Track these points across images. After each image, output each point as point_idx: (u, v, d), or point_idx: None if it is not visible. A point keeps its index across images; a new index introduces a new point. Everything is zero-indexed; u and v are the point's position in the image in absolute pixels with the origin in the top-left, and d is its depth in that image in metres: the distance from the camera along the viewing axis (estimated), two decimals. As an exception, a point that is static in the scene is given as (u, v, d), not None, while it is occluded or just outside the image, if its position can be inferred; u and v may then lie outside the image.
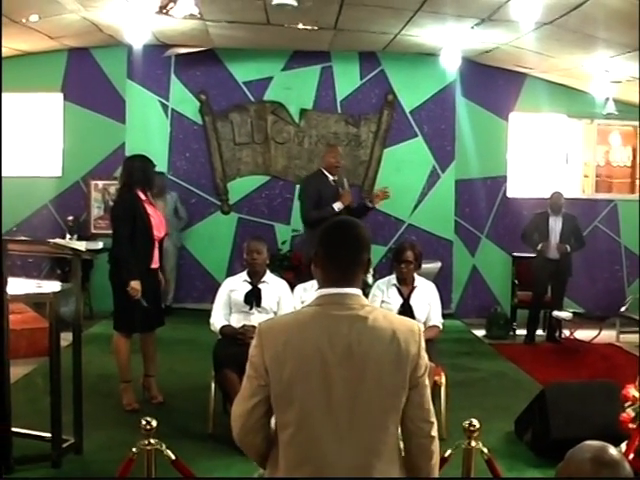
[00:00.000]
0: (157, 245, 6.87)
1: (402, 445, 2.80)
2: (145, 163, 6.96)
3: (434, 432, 2.80)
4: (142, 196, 6.79)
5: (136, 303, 6.67)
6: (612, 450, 2.32)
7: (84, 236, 11.50)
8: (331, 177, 8.47)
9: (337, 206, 8.23)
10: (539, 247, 10.62)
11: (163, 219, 7.06)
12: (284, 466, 2.70)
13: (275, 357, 2.67)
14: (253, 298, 6.36)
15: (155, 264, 6.87)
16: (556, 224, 10.61)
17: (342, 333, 2.67)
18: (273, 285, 6.48)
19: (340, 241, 2.83)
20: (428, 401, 2.79)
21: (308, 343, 2.66)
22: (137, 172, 6.85)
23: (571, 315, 10.39)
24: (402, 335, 2.70)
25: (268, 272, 6.56)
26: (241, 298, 6.36)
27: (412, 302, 6.45)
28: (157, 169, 7.28)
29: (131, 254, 6.65)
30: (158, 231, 6.82)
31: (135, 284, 6.58)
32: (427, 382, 2.80)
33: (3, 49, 10.35)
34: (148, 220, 6.71)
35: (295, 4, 6.81)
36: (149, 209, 6.79)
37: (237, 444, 2.87)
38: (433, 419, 2.81)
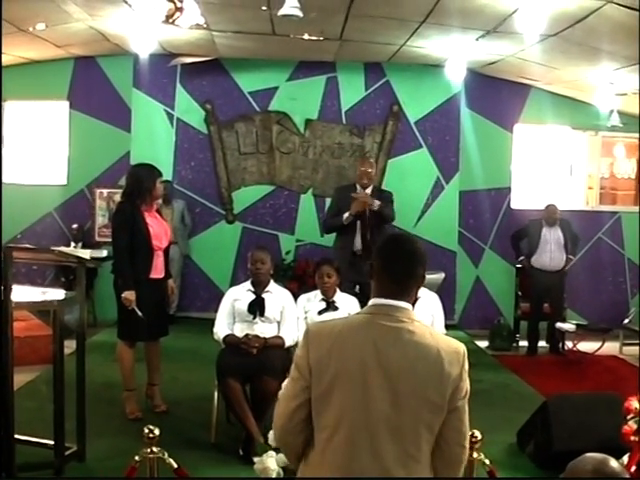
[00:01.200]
0: (160, 255, 6.87)
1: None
2: (147, 172, 6.93)
3: (465, 457, 2.85)
4: (143, 206, 6.79)
5: (150, 312, 6.71)
6: (613, 462, 2.33)
7: (89, 244, 11.52)
8: (361, 189, 8.47)
9: (345, 215, 8.25)
10: (521, 259, 10.71)
11: (168, 228, 7.04)
12: (317, 467, 2.74)
13: (319, 360, 2.71)
14: (257, 308, 6.36)
15: (157, 274, 6.85)
16: (552, 235, 10.61)
17: (387, 344, 2.71)
18: (277, 295, 6.48)
19: (395, 254, 2.89)
20: (466, 425, 2.82)
21: (353, 349, 2.71)
22: (137, 182, 6.85)
23: (574, 327, 10.38)
24: (446, 355, 2.74)
25: (272, 282, 6.56)
26: (245, 307, 6.36)
27: (415, 313, 6.44)
28: (163, 178, 7.27)
29: (127, 264, 6.67)
30: (159, 241, 6.79)
31: (128, 294, 6.60)
32: (466, 406, 2.81)
33: (10, 57, 10.43)
34: (147, 230, 6.70)
35: (301, 15, 6.81)
36: (149, 219, 6.77)
37: (276, 444, 2.90)
38: (467, 444, 2.85)
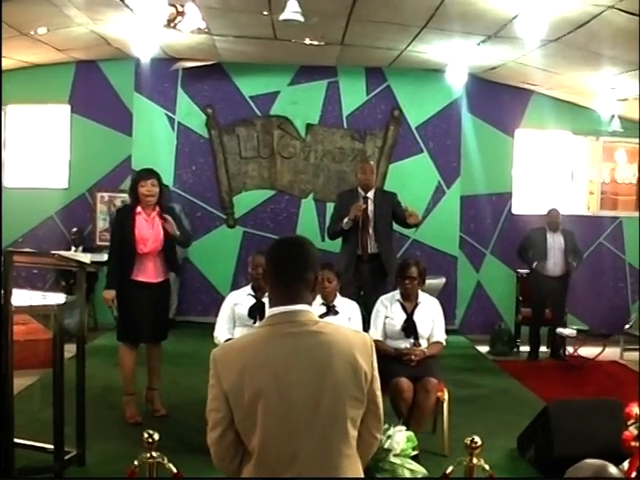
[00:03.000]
0: (152, 258, 6.85)
1: None
2: (136, 175, 7.11)
3: (380, 438, 2.96)
4: (138, 208, 6.82)
5: (139, 315, 6.76)
6: (612, 469, 2.33)
7: (89, 248, 11.52)
8: (363, 193, 8.48)
9: (345, 220, 8.25)
10: (534, 265, 10.68)
11: (160, 233, 6.93)
12: None
13: (233, 384, 2.67)
14: (257, 312, 6.36)
15: (150, 277, 6.84)
16: (555, 241, 10.63)
17: (297, 351, 2.69)
18: (277, 299, 6.47)
19: (283, 259, 2.86)
20: (382, 411, 2.89)
21: (264, 366, 2.67)
22: (131, 185, 7.01)
23: (575, 332, 10.37)
24: (357, 348, 2.74)
25: (272, 286, 6.55)
26: (245, 312, 6.36)
27: (416, 318, 6.45)
28: (155, 180, 7.23)
29: (113, 265, 6.87)
30: (143, 244, 6.77)
31: (106, 293, 6.83)
32: (380, 393, 2.86)
33: (11, 61, 10.44)
34: (132, 233, 6.74)
35: (302, 20, 6.83)
36: (140, 222, 6.79)
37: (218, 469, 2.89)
38: (382, 427, 2.97)
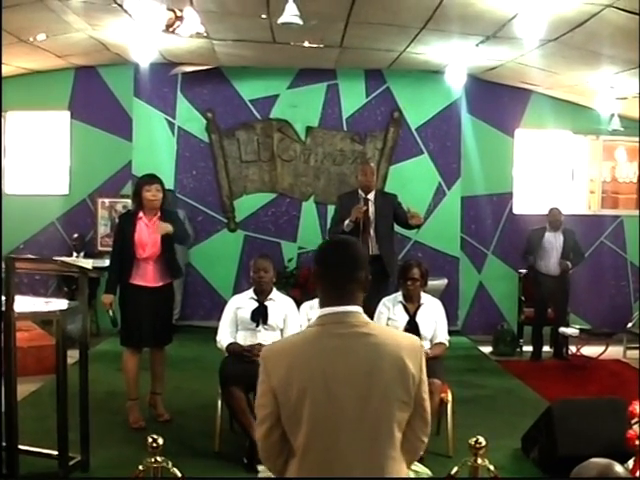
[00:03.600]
0: (151, 263, 6.86)
1: None
2: (139, 180, 7.15)
3: (426, 442, 2.90)
4: (140, 214, 6.85)
5: (141, 319, 6.78)
6: (618, 467, 2.33)
7: (91, 254, 11.51)
8: (363, 195, 8.48)
9: (345, 222, 8.25)
10: (534, 262, 10.66)
11: (158, 238, 6.93)
12: None
13: (281, 381, 2.67)
14: (260, 316, 6.36)
15: (150, 282, 6.85)
16: (556, 240, 10.63)
17: (346, 352, 2.69)
18: (279, 303, 6.48)
19: (335, 260, 2.85)
20: (429, 415, 2.87)
21: (312, 365, 2.68)
22: (133, 190, 7.04)
23: (577, 331, 10.38)
24: (406, 351, 2.73)
25: (275, 290, 6.56)
26: (248, 316, 6.35)
27: (418, 319, 6.45)
28: (159, 186, 7.25)
29: (113, 270, 6.93)
30: (142, 249, 6.79)
31: (105, 297, 6.91)
32: (428, 397, 2.85)
33: (11, 67, 10.45)
34: (132, 238, 6.77)
35: (300, 23, 6.83)
36: (141, 227, 6.82)
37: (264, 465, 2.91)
38: (429, 431, 2.92)
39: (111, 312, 6.86)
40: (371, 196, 8.48)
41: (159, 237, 6.87)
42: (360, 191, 8.52)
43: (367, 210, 8.33)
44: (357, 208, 8.25)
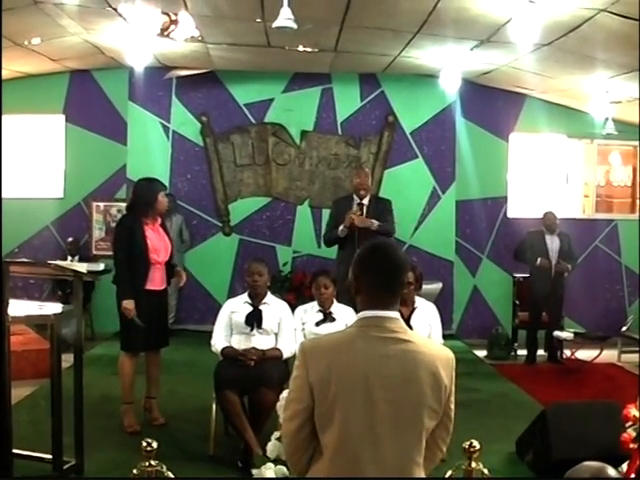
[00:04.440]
0: (159, 268, 6.90)
1: None
2: (150, 186, 7.02)
3: (445, 449, 2.97)
4: (144, 219, 6.83)
5: (147, 323, 6.74)
6: (611, 471, 2.34)
7: (86, 257, 11.52)
8: (358, 200, 8.47)
9: (340, 228, 8.25)
10: (538, 262, 10.62)
11: (168, 243, 7.04)
12: None
13: (320, 377, 2.70)
14: (254, 320, 6.35)
15: (156, 286, 6.87)
16: (553, 243, 10.65)
17: (387, 356, 2.72)
18: (274, 307, 6.48)
19: (385, 265, 2.86)
20: (452, 424, 2.92)
21: (352, 365, 2.71)
22: (140, 195, 6.94)
23: (572, 335, 10.39)
24: (440, 363, 2.78)
25: (269, 294, 6.56)
26: (242, 319, 6.35)
27: (412, 323, 6.45)
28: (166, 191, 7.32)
29: (126, 275, 6.76)
30: (156, 254, 6.83)
31: (127, 303, 6.67)
32: (453, 407, 2.90)
33: (6, 71, 10.44)
34: (144, 243, 6.76)
35: (295, 27, 6.82)
36: (149, 232, 6.82)
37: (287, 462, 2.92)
38: (449, 440, 2.97)
39: (136, 318, 6.72)
40: (366, 201, 8.46)
41: (168, 242, 7.01)
42: (355, 196, 8.52)
43: (361, 215, 8.32)
44: (351, 213, 8.25)
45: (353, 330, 2.84)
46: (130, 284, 6.74)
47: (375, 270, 2.86)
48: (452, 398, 2.84)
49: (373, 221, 8.20)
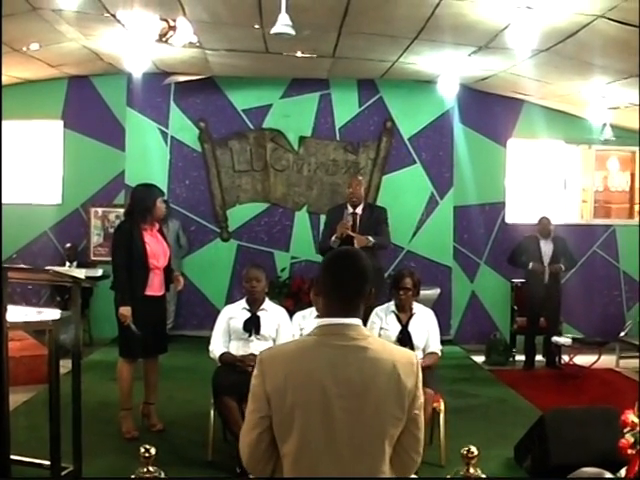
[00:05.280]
0: (158, 273, 6.90)
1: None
2: (148, 192, 7.02)
3: (419, 461, 2.87)
4: (143, 225, 6.83)
5: (146, 329, 6.75)
6: (609, 476, 2.34)
7: (84, 263, 11.51)
8: (351, 209, 8.45)
9: (332, 239, 8.23)
10: (530, 266, 10.65)
11: (167, 248, 7.06)
12: None
13: (276, 387, 2.67)
14: (252, 326, 6.36)
15: (155, 291, 6.88)
16: (547, 248, 10.68)
17: (343, 364, 2.69)
18: (272, 313, 6.48)
19: (344, 272, 2.84)
20: (422, 432, 2.85)
21: (310, 373, 2.68)
22: (138, 201, 6.94)
23: (570, 341, 10.39)
24: (402, 367, 2.73)
25: (267, 300, 6.56)
26: (240, 325, 6.35)
27: (410, 329, 6.45)
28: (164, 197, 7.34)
29: (125, 281, 6.77)
30: (155, 260, 6.84)
31: (124, 310, 6.69)
32: (422, 414, 2.83)
33: (4, 77, 10.44)
34: (144, 249, 6.77)
35: (293, 33, 6.83)
36: (148, 238, 6.83)
37: (249, 473, 2.87)
38: (422, 450, 2.88)
39: (132, 325, 6.73)
40: (359, 210, 8.45)
41: (167, 248, 7.03)
42: (349, 205, 8.51)
43: (353, 225, 8.30)
44: (342, 224, 8.21)
45: (311, 339, 2.81)
46: (128, 290, 6.75)
47: (336, 277, 2.84)
48: (418, 404, 2.78)
49: (369, 238, 8.18)
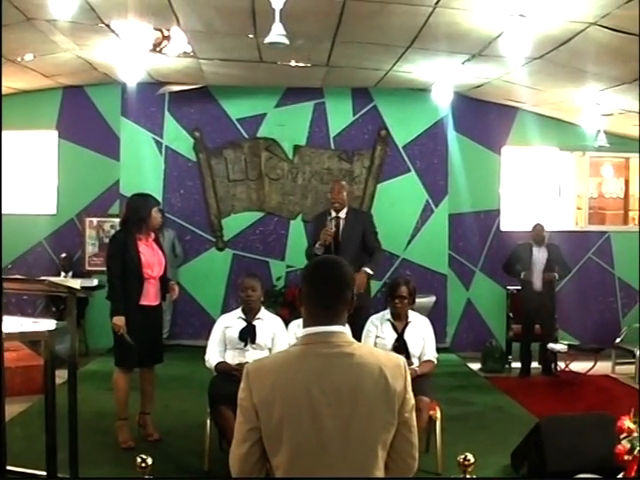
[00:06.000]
0: (153, 283, 6.90)
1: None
2: (143, 202, 7.03)
3: (416, 466, 2.86)
4: (138, 234, 6.83)
5: (141, 338, 6.76)
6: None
7: (79, 273, 11.49)
8: (335, 214, 8.42)
9: (316, 246, 8.18)
10: (522, 275, 10.68)
11: (162, 258, 7.05)
12: None
13: (264, 399, 2.67)
14: (248, 335, 6.36)
15: (150, 301, 6.88)
16: (539, 254, 10.69)
17: (329, 372, 2.68)
18: (268, 322, 6.48)
19: (323, 280, 2.84)
20: (415, 435, 2.84)
21: (296, 384, 2.67)
22: (133, 211, 6.96)
23: (566, 347, 10.39)
24: (389, 371, 2.73)
25: (263, 309, 6.56)
26: (236, 335, 6.35)
27: (406, 337, 6.46)
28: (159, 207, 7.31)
29: (119, 291, 6.79)
30: (150, 269, 6.84)
31: (117, 320, 6.71)
32: (414, 417, 2.83)
33: (-2, 88, 10.43)
34: (138, 258, 6.77)
35: (287, 42, 6.84)
36: (143, 247, 6.83)
37: None
38: (417, 454, 2.86)
39: (126, 335, 6.74)
40: (342, 214, 8.41)
41: (162, 257, 7.02)
42: (332, 210, 8.48)
43: (337, 231, 8.28)
44: (325, 231, 8.15)
45: (297, 348, 2.81)
46: (123, 300, 6.76)
47: (315, 285, 2.84)
48: (408, 407, 2.77)
49: (367, 270, 8.13)
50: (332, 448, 2.64)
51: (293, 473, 2.65)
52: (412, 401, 2.80)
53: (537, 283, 10.64)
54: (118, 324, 6.69)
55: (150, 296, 6.90)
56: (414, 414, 2.83)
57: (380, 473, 2.71)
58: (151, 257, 6.88)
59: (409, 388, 2.79)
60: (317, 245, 8.14)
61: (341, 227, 8.31)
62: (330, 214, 8.43)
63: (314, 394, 2.65)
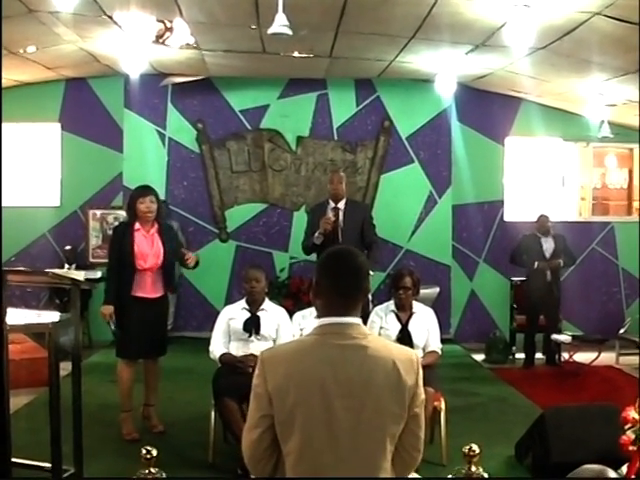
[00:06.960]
0: (150, 274, 6.85)
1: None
2: (133, 192, 7.08)
3: (420, 458, 2.89)
4: (136, 225, 6.83)
5: (139, 330, 6.75)
6: (611, 473, 2.34)
7: (82, 265, 11.50)
8: (333, 204, 8.41)
9: (315, 235, 8.16)
10: (535, 266, 10.64)
11: (160, 250, 6.97)
12: None
13: (278, 386, 2.68)
14: (252, 326, 6.35)
15: (148, 293, 6.84)
16: (547, 245, 10.69)
17: (344, 363, 2.70)
18: (272, 313, 6.47)
19: (343, 271, 2.84)
20: (423, 430, 2.86)
21: (310, 373, 2.69)
22: (128, 202, 7.04)
23: (570, 338, 10.38)
24: (402, 365, 2.74)
25: (267, 300, 6.55)
26: (240, 326, 6.34)
27: (410, 328, 6.45)
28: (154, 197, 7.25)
29: (111, 281, 6.88)
30: (143, 260, 6.78)
31: (103, 308, 6.78)
32: (423, 412, 2.85)
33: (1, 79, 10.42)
34: (131, 249, 6.75)
35: (290, 33, 6.82)
36: (139, 238, 6.81)
37: (251, 472, 2.87)
38: (422, 447, 2.89)
39: (112, 324, 6.79)
40: (341, 205, 8.37)
41: (160, 249, 6.90)
42: (330, 200, 8.46)
43: (336, 220, 8.26)
44: (325, 219, 8.13)
45: (312, 338, 2.82)
46: (113, 290, 6.81)
47: (334, 276, 2.84)
48: (418, 402, 2.78)
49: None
50: (342, 438, 2.66)
51: (304, 460, 2.67)
52: (422, 396, 2.81)
53: (547, 273, 10.62)
54: (104, 312, 6.76)
55: (147, 288, 6.84)
56: (423, 409, 2.84)
57: (387, 464, 2.73)
58: (146, 248, 6.81)
59: (420, 383, 2.80)
60: (317, 234, 8.12)
61: (340, 217, 8.28)
62: (329, 204, 8.40)
63: (327, 384, 2.66)
